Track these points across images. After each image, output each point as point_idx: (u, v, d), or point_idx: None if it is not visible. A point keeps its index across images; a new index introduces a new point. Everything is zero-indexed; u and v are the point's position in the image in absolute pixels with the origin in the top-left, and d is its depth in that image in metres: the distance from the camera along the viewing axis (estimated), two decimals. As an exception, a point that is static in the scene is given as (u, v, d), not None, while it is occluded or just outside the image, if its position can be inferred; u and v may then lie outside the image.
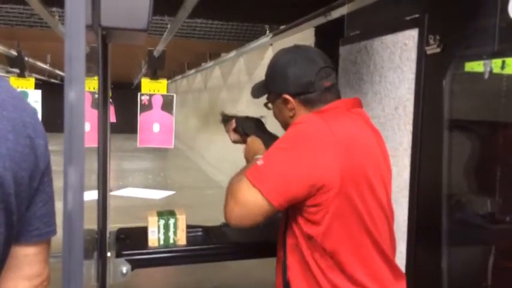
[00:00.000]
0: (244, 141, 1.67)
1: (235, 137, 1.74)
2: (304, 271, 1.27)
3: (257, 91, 1.49)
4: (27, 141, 0.83)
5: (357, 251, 1.24)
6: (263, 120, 1.74)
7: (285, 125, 1.42)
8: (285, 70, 1.34)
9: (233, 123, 1.74)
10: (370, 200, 1.24)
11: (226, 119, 1.81)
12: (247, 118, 1.74)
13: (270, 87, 1.42)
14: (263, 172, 1.19)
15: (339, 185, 1.16)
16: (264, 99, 1.50)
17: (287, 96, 1.34)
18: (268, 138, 1.55)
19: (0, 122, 0.79)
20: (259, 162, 1.22)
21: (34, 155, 0.84)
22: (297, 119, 1.33)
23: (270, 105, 1.46)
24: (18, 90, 3.21)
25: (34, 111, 0.90)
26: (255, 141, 1.58)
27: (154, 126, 2.69)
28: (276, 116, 1.45)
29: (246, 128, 1.68)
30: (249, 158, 1.55)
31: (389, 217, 1.33)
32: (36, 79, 4.27)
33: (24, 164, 0.82)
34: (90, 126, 2.12)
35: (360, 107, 1.39)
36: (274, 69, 1.40)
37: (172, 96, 2.78)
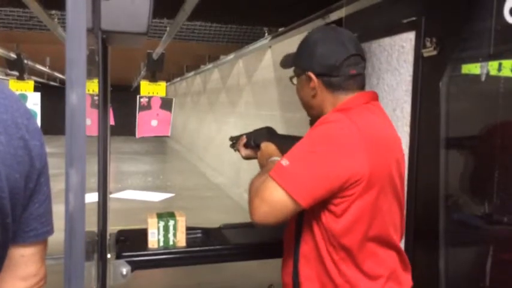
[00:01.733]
0: (256, 154, 1.66)
1: (247, 152, 1.73)
2: (316, 262, 1.28)
3: (286, 61, 1.48)
4: (20, 143, 0.82)
5: (372, 244, 1.25)
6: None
7: (305, 104, 1.42)
8: (314, 48, 1.33)
9: (243, 139, 1.74)
10: (390, 195, 1.26)
11: (235, 141, 1.80)
12: (256, 130, 1.73)
13: (297, 62, 1.41)
14: (289, 172, 1.18)
15: (366, 182, 1.17)
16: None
17: (311, 75, 1.33)
18: (283, 142, 1.54)
19: None
20: (284, 162, 1.21)
21: (29, 156, 0.84)
22: (321, 104, 1.35)
23: (294, 80, 1.45)
24: (17, 93, 3.21)
25: (28, 111, 0.89)
26: (268, 146, 1.58)
27: (152, 122, 2.70)
28: (298, 92, 1.44)
29: (257, 139, 1.67)
30: (263, 162, 1.54)
31: (402, 206, 1.34)
32: (35, 82, 4.28)
33: (18, 166, 0.81)
34: (90, 121, 2.14)
35: (376, 100, 1.40)
36: (305, 44, 1.39)
37: (172, 99, 2.79)
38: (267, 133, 1.68)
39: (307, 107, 1.42)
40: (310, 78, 1.34)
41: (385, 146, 1.27)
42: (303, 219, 1.31)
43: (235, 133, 1.87)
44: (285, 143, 1.44)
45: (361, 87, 1.36)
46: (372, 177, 1.18)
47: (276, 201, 1.18)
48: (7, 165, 0.79)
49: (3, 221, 0.80)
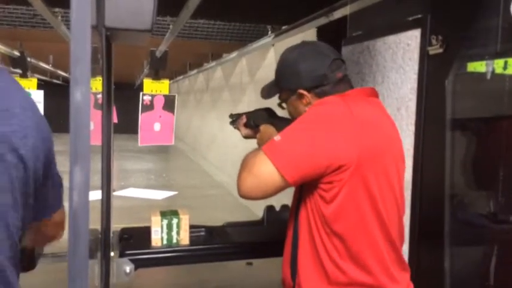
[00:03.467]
0: (255, 134, 1.68)
1: (246, 131, 1.75)
2: (311, 249, 1.28)
3: (268, 91, 1.49)
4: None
5: (365, 234, 1.24)
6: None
7: None
8: (296, 66, 1.35)
9: (243, 118, 1.76)
10: (384, 184, 1.25)
11: (235, 118, 1.81)
12: (256, 110, 1.75)
13: (283, 85, 1.42)
14: (280, 147, 1.20)
15: (355, 166, 1.18)
16: (274, 100, 1.50)
17: (302, 91, 1.35)
18: (281, 124, 1.55)
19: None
20: (277, 138, 1.23)
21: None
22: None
23: (284, 104, 1.46)
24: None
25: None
26: (268, 128, 1.60)
27: (155, 125, 2.70)
28: (291, 113, 1.45)
29: (257, 120, 1.69)
30: (263, 143, 1.54)
31: (400, 206, 1.33)
32: (39, 79, 4.28)
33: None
34: (93, 125, 2.14)
35: (376, 97, 1.40)
36: (285, 66, 1.40)
37: (174, 96, 2.79)
38: (267, 115, 1.70)
39: None
40: (302, 96, 1.35)
41: (379, 134, 1.27)
42: (300, 206, 1.31)
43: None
44: (284, 124, 1.44)
45: (351, 87, 1.39)
46: (362, 164, 1.19)
47: (263, 174, 1.20)
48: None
49: (27, 201, 0.88)
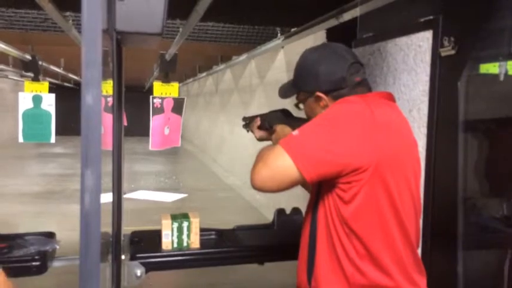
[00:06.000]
0: (270, 136, 1.66)
1: (261, 133, 1.73)
2: (330, 252, 1.26)
3: (286, 91, 1.48)
4: None
5: (384, 235, 1.23)
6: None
7: None
8: (315, 68, 1.34)
9: (258, 121, 1.74)
10: (402, 187, 1.24)
11: (249, 121, 1.80)
12: (271, 112, 1.72)
13: (301, 87, 1.41)
14: (298, 142, 1.19)
15: (374, 167, 1.16)
16: (288, 100, 1.49)
17: (320, 94, 1.34)
18: (298, 124, 1.53)
19: None
20: (295, 133, 1.22)
21: None
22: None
23: (301, 105, 1.45)
24: (32, 94, 3.23)
25: None
26: (284, 128, 1.58)
27: (165, 129, 2.72)
28: (307, 114, 1.44)
29: (272, 121, 1.67)
30: None
31: (417, 209, 1.32)
32: (50, 83, 4.31)
33: None
34: (104, 130, 2.15)
35: (393, 101, 1.39)
36: (303, 68, 1.40)
37: (183, 99, 2.80)
38: (282, 115, 1.68)
39: None
40: (320, 98, 1.35)
41: (398, 136, 1.26)
42: (318, 205, 1.30)
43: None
44: (300, 124, 1.43)
45: (369, 90, 1.38)
46: (381, 166, 1.18)
47: (279, 166, 1.18)
48: None
49: None
